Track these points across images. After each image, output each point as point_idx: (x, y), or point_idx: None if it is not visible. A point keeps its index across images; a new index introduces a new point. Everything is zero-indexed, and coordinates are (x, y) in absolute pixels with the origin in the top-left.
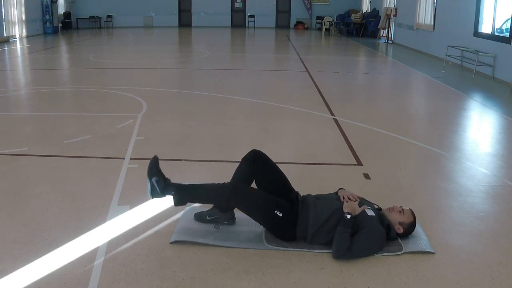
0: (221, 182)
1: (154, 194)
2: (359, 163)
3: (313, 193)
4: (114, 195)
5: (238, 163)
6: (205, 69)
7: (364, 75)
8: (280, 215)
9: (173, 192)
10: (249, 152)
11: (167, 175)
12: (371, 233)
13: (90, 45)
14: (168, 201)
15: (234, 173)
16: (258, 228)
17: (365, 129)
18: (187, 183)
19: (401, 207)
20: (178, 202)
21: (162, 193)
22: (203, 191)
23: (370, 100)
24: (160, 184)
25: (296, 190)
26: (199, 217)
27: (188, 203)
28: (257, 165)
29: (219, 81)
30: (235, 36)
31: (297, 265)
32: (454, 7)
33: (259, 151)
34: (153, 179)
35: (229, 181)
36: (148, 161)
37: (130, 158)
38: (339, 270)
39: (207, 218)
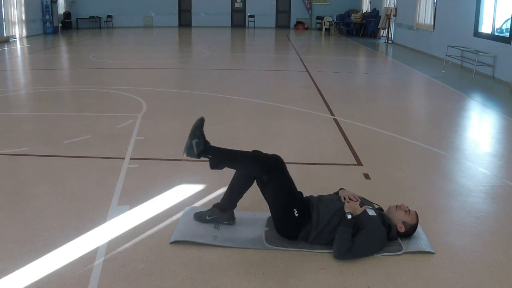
0: (221, 181)
1: (190, 153)
2: (359, 163)
3: (314, 193)
4: (114, 195)
5: None
6: (205, 69)
7: (364, 75)
8: (296, 214)
9: (210, 156)
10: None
11: (167, 175)
12: (372, 233)
13: (90, 45)
14: (168, 201)
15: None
16: (258, 228)
17: (365, 129)
18: (226, 148)
19: (407, 207)
20: (215, 165)
21: (198, 155)
22: (243, 157)
23: (370, 100)
24: (200, 146)
25: (298, 191)
26: (199, 217)
27: (224, 167)
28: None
29: (219, 81)
30: (235, 36)
31: (297, 265)
32: (454, 7)
33: (259, 151)
34: (194, 141)
35: (230, 182)
36: (149, 161)
37: (130, 158)
38: (339, 270)
39: (207, 218)
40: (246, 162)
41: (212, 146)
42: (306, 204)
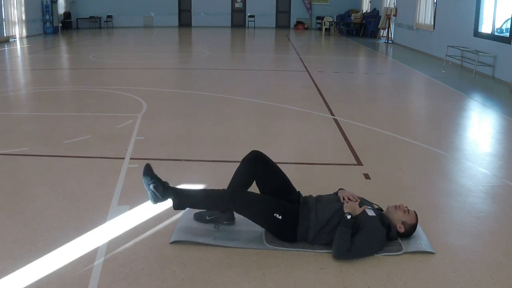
0: (221, 181)
1: (157, 199)
2: (359, 163)
3: (313, 193)
4: (114, 195)
5: (238, 163)
6: (205, 69)
7: (364, 75)
8: (280, 217)
9: (172, 197)
10: (249, 153)
11: (167, 175)
12: (372, 233)
13: (90, 45)
14: (168, 201)
15: (234, 174)
16: (258, 228)
17: (365, 129)
18: (186, 188)
19: (406, 207)
20: (178, 206)
21: (164, 197)
22: (203, 198)
23: (370, 100)
24: (159, 189)
25: (297, 191)
26: (199, 217)
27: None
28: (257, 166)
29: (219, 81)
30: (235, 36)
31: (297, 265)
32: (454, 7)
33: (259, 151)
34: (151, 186)
35: (229, 183)
36: (149, 161)
37: (130, 158)
38: (339, 270)
39: (207, 218)
40: (208, 203)
41: (172, 186)
42: (290, 200)
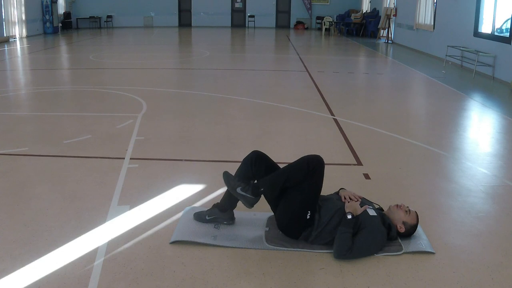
0: (221, 181)
1: (250, 201)
2: (359, 163)
3: None
4: (114, 195)
5: (238, 163)
6: (205, 69)
7: (364, 75)
8: (308, 217)
9: (262, 189)
10: (250, 153)
11: (167, 175)
12: (373, 233)
13: (90, 45)
14: (168, 201)
15: (235, 174)
16: (258, 228)
17: (365, 129)
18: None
19: (407, 207)
20: (270, 194)
21: (256, 196)
22: (283, 174)
23: (370, 100)
24: (247, 190)
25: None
26: (199, 217)
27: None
28: (258, 167)
29: (219, 81)
30: (235, 36)
31: (297, 265)
32: (454, 7)
33: (260, 152)
34: (238, 189)
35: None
36: (149, 161)
37: (130, 158)
38: (339, 270)
39: (207, 218)
40: (289, 176)
41: (255, 183)
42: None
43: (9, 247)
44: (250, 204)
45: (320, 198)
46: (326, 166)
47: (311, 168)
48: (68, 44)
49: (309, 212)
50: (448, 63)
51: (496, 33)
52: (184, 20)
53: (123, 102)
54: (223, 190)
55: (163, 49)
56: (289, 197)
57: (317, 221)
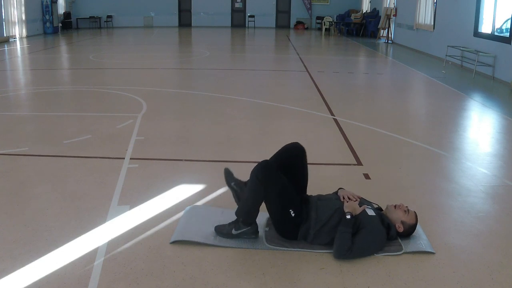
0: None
1: (255, 234)
2: (359, 163)
3: (313, 193)
4: (114, 195)
5: (238, 163)
6: (205, 69)
7: (364, 75)
8: (293, 215)
9: (241, 219)
10: (294, 142)
11: (167, 175)
12: (372, 233)
13: (90, 45)
14: (168, 201)
15: (274, 154)
16: (258, 228)
17: (365, 129)
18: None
19: (406, 206)
20: (251, 218)
21: (249, 227)
22: (248, 198)
23: (370, 100)
24: (240, 227)
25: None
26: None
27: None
28: (291, 154)
29: (219, 81)
30: (235, 36)
31: (297, 265)
32: (454, 7)
33: (300, 144)
34: (233, 231)
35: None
36: (149, 161)
37: (130, 158)
38: (339, 270)
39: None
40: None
41: (233, 221)
42: (305, 202)
43: (9, 247)
44: (257, 235)
45: (319, 197)
46: (326, 166)
47: (261, 178)
48: (68, 44)
49: (291, 210)
50: (448, 63)
51: (496, 33)
52: (184, 20)
53: (123, 102)
54: (223, 190)
55: (163, 49)
56: (268, 206)
57: (314, 219)
